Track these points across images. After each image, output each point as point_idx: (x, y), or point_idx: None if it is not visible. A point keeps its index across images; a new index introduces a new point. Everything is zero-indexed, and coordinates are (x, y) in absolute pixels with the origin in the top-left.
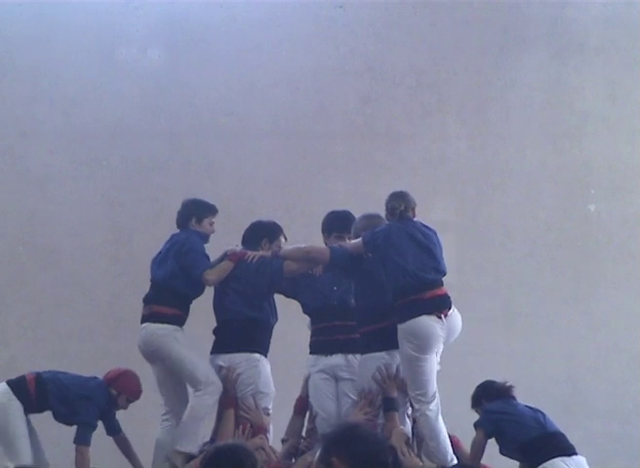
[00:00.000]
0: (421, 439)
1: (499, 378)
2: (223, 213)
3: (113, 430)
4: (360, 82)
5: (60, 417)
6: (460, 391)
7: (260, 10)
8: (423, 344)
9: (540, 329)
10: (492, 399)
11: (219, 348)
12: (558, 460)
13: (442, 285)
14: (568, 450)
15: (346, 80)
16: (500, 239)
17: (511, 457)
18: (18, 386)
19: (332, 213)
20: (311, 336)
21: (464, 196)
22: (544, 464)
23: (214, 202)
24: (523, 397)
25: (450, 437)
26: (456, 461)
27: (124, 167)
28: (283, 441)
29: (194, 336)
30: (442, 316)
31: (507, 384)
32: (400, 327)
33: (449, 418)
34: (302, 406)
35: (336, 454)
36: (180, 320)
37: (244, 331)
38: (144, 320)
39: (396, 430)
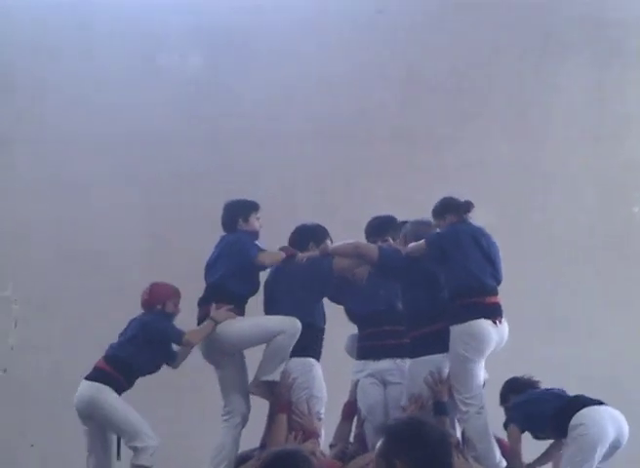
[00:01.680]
0: (470, 442)
1: (542, 384)
2: (265, 218)
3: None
4: (400, 86)
5: (153, 364)
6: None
7: (300, 15)
8: (479, 347)
9: (583, 333)
10: (519, 393)
11: None
12: (586, 410)
13: (498, 293)
14: (595, 402)
15: (387, 84)
16: (543, 243)
17: (547, 437)
18: (97, 375)
19: (375, 218)
20: (359, 342)
21: (506, 201)
22: (573, 419)
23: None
24: None
25: (499, 440)
26: (505, 464)
27: (165, 173)
28: (331, 446)
29: None
30: (497, 322)
31: (533, 378)
32: (456, 328)
33: (495, 424)
34: (350, 411)
35: (399, 456)
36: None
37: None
38: (200, 322)
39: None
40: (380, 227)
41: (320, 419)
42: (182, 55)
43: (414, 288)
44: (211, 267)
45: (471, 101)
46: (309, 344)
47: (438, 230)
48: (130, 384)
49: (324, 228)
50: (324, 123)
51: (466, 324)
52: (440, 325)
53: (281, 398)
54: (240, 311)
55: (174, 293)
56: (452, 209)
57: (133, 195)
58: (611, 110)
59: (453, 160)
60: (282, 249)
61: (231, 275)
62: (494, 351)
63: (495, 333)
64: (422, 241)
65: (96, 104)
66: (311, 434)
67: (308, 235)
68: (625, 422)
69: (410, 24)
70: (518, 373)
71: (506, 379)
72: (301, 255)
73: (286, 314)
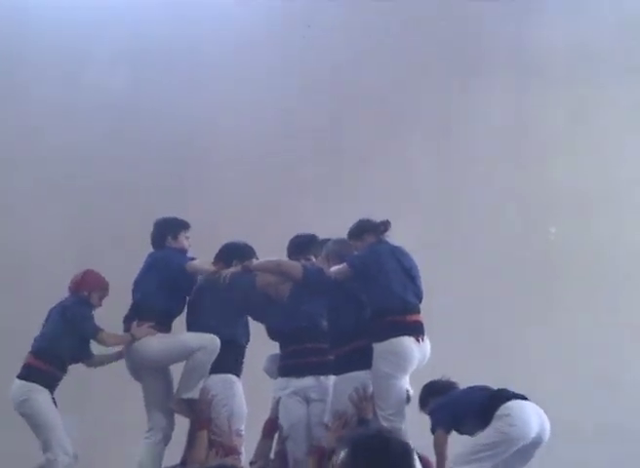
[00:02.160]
0: None
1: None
2: (197, 239)
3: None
4: (328, 103)
5: (78, 349)
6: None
7: (225, 33)
8: (402, 364)
9: (506, 349)
10: (437, 397)
11: None
12: (512, 402)
13: (420, 311)
14: (519, 396)
15: (314, 101)
16: (465, 260)
17: (473, 432)
18: (28, 373)
19: (297, 236)
20: (281, 359)
21: (430, 218)
22: (500, 410)
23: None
24: None
25: (420, 457)
26: None
27: (89, 191)
28: (251, 463)
29: None
30: (420, 340)
31: (451, 380)
32: (378, 345)
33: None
34: (271, 428)
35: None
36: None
37: (219, 352)
38: None
39: None
40: (302, 245)
41: (240, 436)
42: (108, 72)
43: (337, 305)
44: (138, 284)
45: (397, 119)
46: (230, 361)
47: (356, 252)
48: (63, 371)
49: (250, 246)
50: (249, 140)
51: (389, 341)
52: (364, 342)
53: (201, 415)
54: (165, 328)
55: (103, 287)
56: (369, 229)
57: (56, 213)
58: (533, 131)
59: (378, 177)
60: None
61: (157, 291)
62: (417, 368)
63: (417, 351)
64: (344, 265)
65: (18, 119)
66: (231, 451)
67: (234, 253)
68: (547, 420)
69: (337, 41)
70: None
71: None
72: (225, 272)
73: (207, 330)
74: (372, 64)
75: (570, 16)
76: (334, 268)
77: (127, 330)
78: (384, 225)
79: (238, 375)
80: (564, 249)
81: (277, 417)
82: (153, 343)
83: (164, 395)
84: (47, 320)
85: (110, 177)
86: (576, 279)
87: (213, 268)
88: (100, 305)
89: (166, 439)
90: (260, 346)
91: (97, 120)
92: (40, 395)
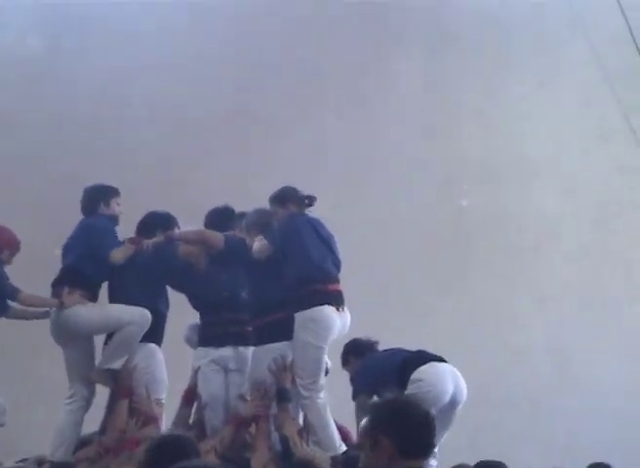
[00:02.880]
0: (312, 428)
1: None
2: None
3: (10, 297)
4: (239, 71)
5: None
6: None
7: None
8: (323, 333)
9: (416, 319)
10: (358, 355)
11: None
12: (426, 366)
13: (339, 281)
14: (436, 358)
15: (224, 69)
16: (376, 229)
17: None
18: None
19: (214, 209)
20: (201, 329)
21: (341, 186)
22: (414, 374)
23: None
24: None
25: (340, 427)
26: (344, 448)
27: (3, 155)
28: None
29: None
30: (340, 309)
31: (372, 339)
32: (300, 314)
33: (339, 412)
34: (190, 397)
35: (385, 433)
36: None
37: None
38: None
39: (289, 421)
40: (221, 219)
41: (160, 405)
42: (20, 35)
43: (258, 276)
44: (68, 249)
45: (311, 88)
46: (151, 330)
47: (275, 224)
48: None
49: (172, 216)
50: (160, 105)
51: (310, 310)
52: (284, 313)
53: (122, 384)
54: (92, 295)
55: (14, 244)
56: (294, 199)
57: None
58: (445, 102)
59: (290, 147)
60: (129, 240)
61: (87, 258)
62: (337, 339)
63: (338, 320)
64: (265, 243)
65: None
66: (151, 419)
67: (156, 222)
68: (463, 380)
69: (252, 10)
70: None
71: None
72: (147, 242)
73: (130, 301)
74: (284, 31)
75: None
76: (255, 247)
77: (55, 294)
78: (310, 199)
79: (159, 344)
80: (473, 217)
81: (196, 386)
82: (82, 312)
83: (86, 363)
84: None
85: (23, 141)
86: (484, 247)
87: (131, 251)
88: (11, 263)
89: (87, 406)
90: (180, 316)
91: (9, 83)
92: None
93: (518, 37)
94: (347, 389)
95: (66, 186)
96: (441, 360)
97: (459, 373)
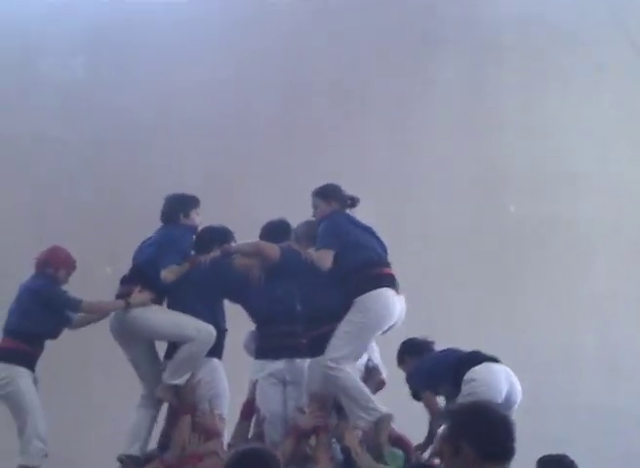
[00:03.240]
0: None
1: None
2: (148, 222)
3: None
4: (281, 88)
5: (55, 328)
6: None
7: (182, 16)
8: (382, 312)
9: (466, 326)
10: (414, 355)
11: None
12: (480, 366)
13: (390, 265)
14: (490, 358)
15: (267, 86)
16: (422, 240)
17: (447, 394)
18: (7, 355)
19: (269, 223)
20: (258, 342)
21: (385, 198)
22: (467, 374)
23: (138, 209)
24: None
25: (400, 438)
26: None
27: (47, 176)
28: (230, 445)
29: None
30: (398, 292)
31: (428, 339)
32: (359, 299)
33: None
34: (249, 410)
35: (465, 439)
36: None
37: None
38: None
39: (349, 431)
40: (276, 232)
41: (223, 419)
42: (62, 57)
43: (312, 288)
44: (144, 249)
45: (352, 100)
46: (214, 345)
47: (323, 228)
48: (41, 349)
49: (229, 230)
50: (203, 125)
51: (369, 293)
52: (337, 324)
53: (185, 399)
54: (159, 300)
55: (70, 264)
56: (338, 198)
57: (15, 199)
58: (489, 109)
59: (333, 159)
60: (188, 259)
61: (160, 263)
62: (393, 328)
63: (397, 303)
64: (322, 250)
65: None
66: (214, 434)
67: (213, 237)
68: (517, 381)
69: (291, 25)
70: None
71: (402, 342)
72: (204, 258)
73: (191, 315)
74: (326, 47)
75: None
76: (316, 257)
77: (123, 290)
78: (353, 200)
79: (219, 359)
80: (521, 225)
81: (254, 399)
82: (149, 316)
83: (151, 362)
84: (17, 301)
85: (67, 161)
86: (534, 252)
87: (183, 271)
88: (67, 282)
89: (160, 404)
90: (237, 328)
91: (52, 105)
92: (22, 377)
93: (560, 43)
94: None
95: (114, 205)
96: (495, 360)
97: (513, 374)
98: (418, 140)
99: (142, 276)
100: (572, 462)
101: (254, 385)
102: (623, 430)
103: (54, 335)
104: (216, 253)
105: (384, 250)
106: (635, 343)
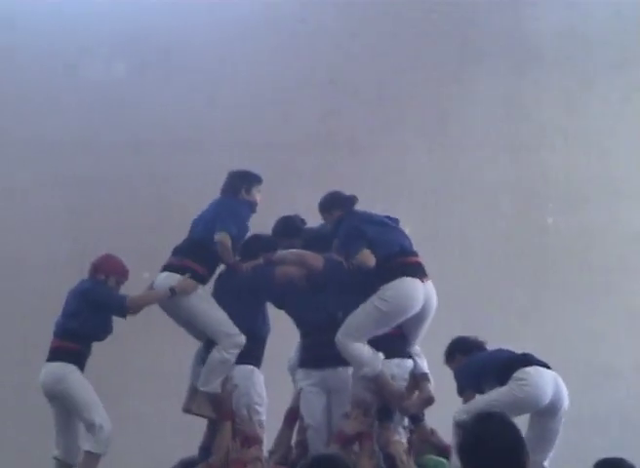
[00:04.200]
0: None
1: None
2: (188, 225)
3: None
4: (322, 94)
5: (105, 328)
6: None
7: (224, 24)
8: (404, 301)
9: (497, 341)
10: (465, 353)
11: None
12: (531, 368)
13: (417, 254)
14: (540, 363)
15: (309, 92)
16: (459, 250)
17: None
18: (59, 355)
19: (285, 218)
20: (302, 350)
21: (424, 207)
22: (517, 372)
23: (176, 214)
24: None
25: (445, 447)
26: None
27: (89, 178)
28: (271, 453)
29: (188, 346)
30: (423, 280)
31: (479, 339)
32: (382, 287)
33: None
34: (292, 417)
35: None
36: (204, 279)
37: None
38: (168, 269)
39: (394, 439)
40: (288, 230)
41: (262, 426)
42: (106, 61)
43: (356, 297)
44: (197, 222)
45: (391, 109)
46: (249, 351)
47: (343, 235)
48: (88, 349)
49: (273, 238)
50: (245, 130)
51: (392, 282)
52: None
53: (223, 406)
54: (208, 273)
55: (122, 272)
56: (337, 205)
57: (56, 200)
58: (527, 119)
59: (372, 167)
60: (231, 264)
61: (215, 229)
62: (425, 318)
63: (421, 292)
64: (359, 256)
65: (18, 107)
66: (254, 440)
67: (259, 245)
68: (565, 389)
69: (332, 33)
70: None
71: (453, 339)
72: (246, 265)
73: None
74: (365, 54)
75: (565, 1)
76: (358, 261)
77: (175, 260)
78: (351, 200)
79: (258, 366)
80: (559, 236)
81: (298, 407)
82: (196, 304)
83: (215, 311)
84: (66, 304)
85: (109, 164)
86: (572, 269)
87: (231, 256)
88: (118, 290)
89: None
90: (283, 336)
91: (95, 108)
92: (75, 374)
93: (599, 52)
94: None
95: (152, 210)
96: (547, 366)
97: (561, 382)
98: (456, 151)
99: (196, 246)
100: (632, 466)
101: (298, 393)
102: None
103: (100, 337)
104: (258, 260)
105: (407, 239)
106: None
